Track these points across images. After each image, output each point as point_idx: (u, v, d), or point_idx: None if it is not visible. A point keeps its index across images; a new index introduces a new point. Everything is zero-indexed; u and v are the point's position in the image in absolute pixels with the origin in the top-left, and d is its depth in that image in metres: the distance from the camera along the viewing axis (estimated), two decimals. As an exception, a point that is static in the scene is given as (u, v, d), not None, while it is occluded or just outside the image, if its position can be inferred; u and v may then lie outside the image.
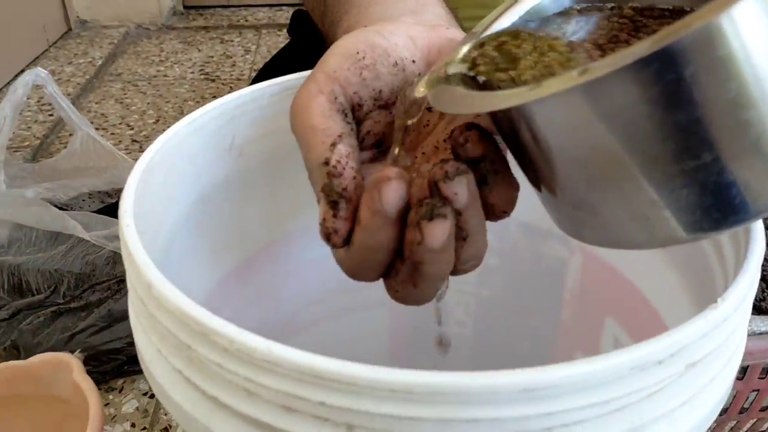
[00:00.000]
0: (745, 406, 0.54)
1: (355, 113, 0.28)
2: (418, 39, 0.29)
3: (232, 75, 1.37)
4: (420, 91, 0.26)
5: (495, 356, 0.53)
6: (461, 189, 0.24)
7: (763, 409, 0.54)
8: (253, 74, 1.35)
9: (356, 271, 0.27)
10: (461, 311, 0.51)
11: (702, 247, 0.32)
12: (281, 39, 1.55)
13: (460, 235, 0.25)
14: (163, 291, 0.23)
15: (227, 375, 0.22)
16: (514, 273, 0.47)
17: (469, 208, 0.25)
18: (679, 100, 0.18)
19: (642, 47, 0.18)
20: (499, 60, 0.25)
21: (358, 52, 0.28)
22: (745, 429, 0.58)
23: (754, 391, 0.52)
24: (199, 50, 1.49)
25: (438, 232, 0.24)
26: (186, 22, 1.65)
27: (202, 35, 1.58)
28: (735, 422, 0.56)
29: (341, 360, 0.20)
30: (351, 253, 0.26)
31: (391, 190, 0.24)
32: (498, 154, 0.25)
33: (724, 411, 0.54)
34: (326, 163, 0.26)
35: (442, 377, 0.20)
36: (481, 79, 0.24)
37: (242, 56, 1.46)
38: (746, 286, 0.24)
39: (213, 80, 1.34)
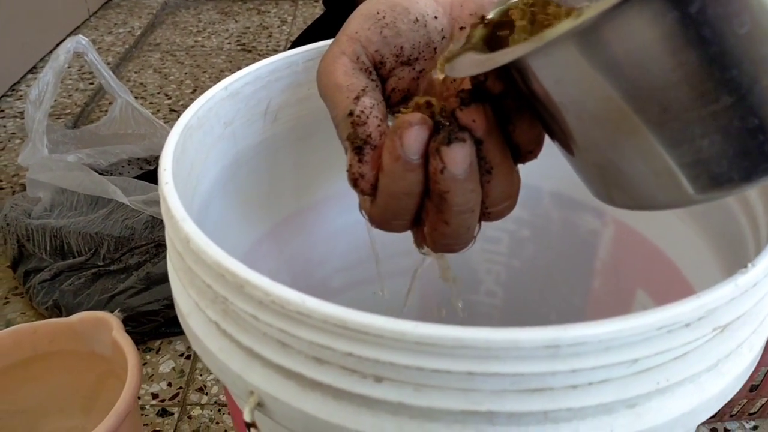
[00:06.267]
0: (777, 383, 0.53)
1: (379, 71, 0.29)
2: None
3: (268, 46, 1.37)
4: (438, 71, 0.27)
5: (524, 326, 0.53)
6: (478, 115, 0.24)
7: (795, 387, 0.54)
8: (290, 45, 1.35)
9: (383, 220, 0.27)
10: (491, 281, 0.51)
11: (736, 218, 0.31)
12: (317, 10, 1.55)
13: (485, 168, 0.25)
14: (201, 245, 0.24)
15: (261, 326, 0.23)
16: (546, 244, 0.47)
17: (490, 137, 0.25)
18: (686, 39, 0.17)
19: None
20: (519, 26, 0.25)
21: (378, 12, 0.28)
22: (776, 406, 0.58)
23: (786, 368, 0.51)
24: (236, 21, 1.50)
25: (458, 157, 0.24)
26: (223, -7, 1.65)
27: (239, 6, 1.58)
28: (766, 400, 0.56)
29: (370, 313, 0.21)
30: (377, 201, 0.26)
31: (412, 135, 0.24)
32: (518, 91, 0.25)
33: (755, 387, 0.53)
34: (351, 114, 0.26)
35: (467, 332, 0.20)
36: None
37: (278, 27, 1.46)
38: (778, 253, 0.24)
39: (249, 51, 1.35)
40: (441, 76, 0.26)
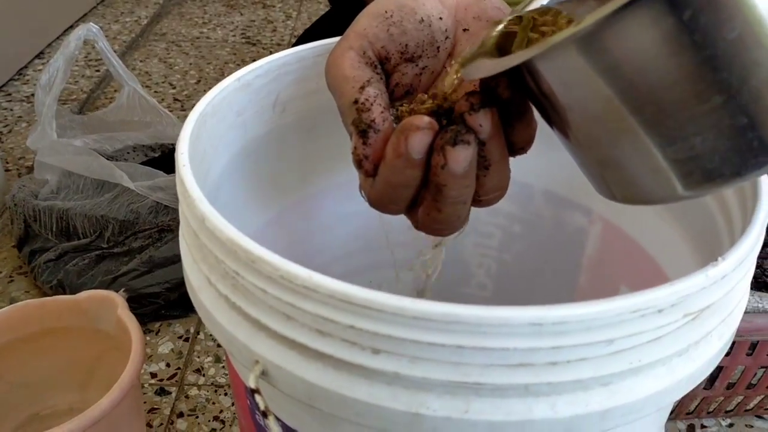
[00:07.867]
0: (753, 382, 0.55)
1: (384, 67, 0.31)
2: None
3: (272, 40, 1.39)
4: (452, 81, 0.28)
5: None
6: (485, 121, 0.26)
7: (770, 385, 0.56)
8: (293, 40, 1.37)
9: (379, 203, 0.29)
10: (483, 274, 0.53)
11: (713, 217, 0.33)
12: (322, 7, 1.57)
13: (483, 164, 0.27)
14: (216, 223, 0.26)
15: (269, 300, 0.25)
16: (536, 239, 0.49)
17: (493, 140, 0.27)
18: (680, 44, 0.18)
19: None
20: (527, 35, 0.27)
21: (386, 11, 0.31)
22: (752, 405, 0.60)
23: (762, 368, 0.53)
24: (242, 14, 1.51)
25: (460, 158, 0.26)
26: (229, -14, 1.67)
27: (245, -1, 1.60)
28: (742, 397, 0.58)
29: (371, 289, 0.23)
30: (376, 186, 0.28)
31: (417, 137, 0.26)
32: (523, 98, 0.27)
33: (731, 385, 0.55)
34: (356, 101, 0.28)
35: (460, 309, 0.22)
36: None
37: (283, 22, 1.48)
38: (746, 249, 0.26)
39: (254, 44, 1.36)
40: (454, 77, 0.28)
